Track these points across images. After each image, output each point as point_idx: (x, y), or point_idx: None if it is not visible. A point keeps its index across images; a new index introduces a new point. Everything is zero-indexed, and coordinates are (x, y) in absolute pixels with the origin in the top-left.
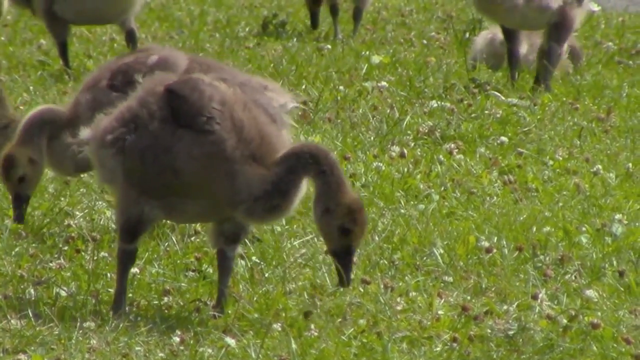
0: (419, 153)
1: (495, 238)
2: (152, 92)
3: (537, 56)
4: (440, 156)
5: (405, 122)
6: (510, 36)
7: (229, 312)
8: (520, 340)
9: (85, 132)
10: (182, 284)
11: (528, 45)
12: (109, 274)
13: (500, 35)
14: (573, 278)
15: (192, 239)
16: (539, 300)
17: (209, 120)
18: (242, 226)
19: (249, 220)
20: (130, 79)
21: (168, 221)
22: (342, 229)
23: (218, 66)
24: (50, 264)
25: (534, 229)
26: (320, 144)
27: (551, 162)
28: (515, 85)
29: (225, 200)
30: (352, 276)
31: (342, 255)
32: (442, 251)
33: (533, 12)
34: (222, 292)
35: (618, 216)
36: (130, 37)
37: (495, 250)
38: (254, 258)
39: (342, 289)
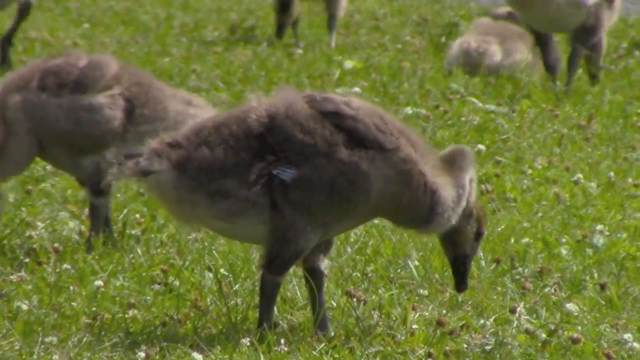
0: None
1: None
2: (305, 115)
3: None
4: None
5: None
6: (543, 43)
7: (196, 326)
8: (498, 355)
9: (150, 163)
10: (148, 297)
11: (503, 51)
12: (71, 287)
13: (474, 44)
14: (552, 291)
15: (158, 250)
16: (517, 314)
17: (392, 137)
18: (332, 238)
19: (430, 232)
20: (63, 81)
21: (133, 232)
22: (477, 234)
23: (146, 76)
24: (11, 277)
25: (512, 240)
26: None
27: (530, 171)
28: (493, 92)
29: (419, 216)
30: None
31: (468, 260)
32: (417, 263)
33: (569, 6)
34: (322, 312)
35: (599, 227)
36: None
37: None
38: (222, 270)
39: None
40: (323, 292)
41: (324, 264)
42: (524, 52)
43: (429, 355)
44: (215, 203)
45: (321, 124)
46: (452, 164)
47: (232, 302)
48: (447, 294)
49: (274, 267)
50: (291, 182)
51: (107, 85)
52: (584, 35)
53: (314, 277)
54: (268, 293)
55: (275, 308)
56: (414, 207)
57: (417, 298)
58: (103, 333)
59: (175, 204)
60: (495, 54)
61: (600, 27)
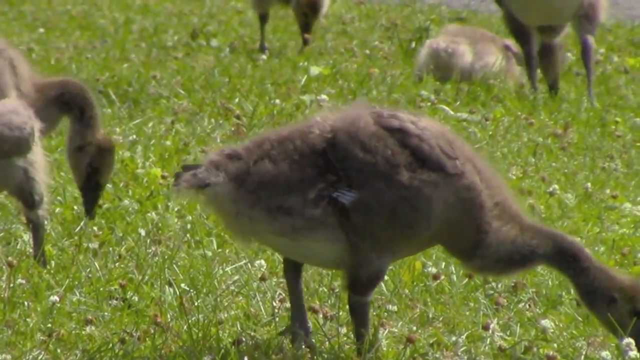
0: None
1: (444, 264)
2: (368, 133)
3: (539, 56)
4: None
5: None
6: (526, 38)
7: (156, 343)
8: None
9: (208, 175)
10: (105, 313)
11: (473, 53)
12: (26, 303)
13: (443, 45)
14: (527, 307)
15: (116, 264)
16: (490, 331)
17: (457, 162)
18: None
19: (476, 272)
20: None
21: (90, 245)
22: (634, 312)
23: None
24: None
25: None
26: (573, 239)
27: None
28: (465, 99)
29: (461, 249)
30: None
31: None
32: (386, 278)
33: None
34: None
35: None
36: None
37: (443, 277)
38: (183, 285)
39: (277, 319)
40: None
41: None
42: (496, 55)
43: None
44: (276, 219)
45: (384, 142)
46: (537, 234)
47: (193, 319)
48: (418, 310)
49: (357, 289)
50: (351, 206)
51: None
52: (587, 21)
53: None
54: (358, 313)
55: (243, 326)
56: (460, 238)
57: (386, 314)
58: (59, 350)
59: (233, 218)
60: (465, 54)
61: (599, 9)
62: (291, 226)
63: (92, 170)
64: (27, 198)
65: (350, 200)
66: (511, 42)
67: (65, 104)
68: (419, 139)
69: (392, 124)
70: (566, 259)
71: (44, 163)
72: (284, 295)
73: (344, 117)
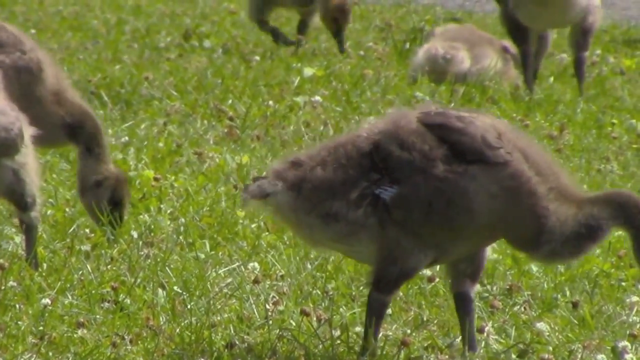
0: None
1: (438, 266)
2: (408, 131)
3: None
4: None
5: None
6: (524, 38)
7: (148, 347)
8: None
9: (268, 185)
10: (97, 316)
11: (471, 57)
12: (17, 305)
13: (441, 50)
14: (522, 309)
15: (108, 267)
16: (485, 334)
17: (501, 151)
18: (479, 262)
19: (545, 261)
20: None
21: (82, 247)
22: None
23: None
24: None
25: None
26: (627, 192)
27: None
28: (460, 101)
29: (525, 239)
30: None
31: None
32: None
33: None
34: (471, 335)
35: None
36: None
37: (437, 280)
38: (175, 288)
39: (270, 322)
40: (473, 318)
41: (473, 289)
42: (492, 58)
43: None
44: (329, 226)
45: (422, 137)
46: (598, 201)
47: (186, 322)
48: (412, 313)
49: (382, 286)
50: (391, 201)
51: None
52: (582, 38)
53: (461, 302)
54: (375, 312)
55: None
56: (518, 228)
57: None
58: (51, 353)
59: (297, 227)
60: (464, 60)
61: (596, 25)
62: (340, 232)
63: (114, 205)
64: (19, 200)
65: (390, 195)
66: (509, 43)
67: (73, 135)
68: (460, 133)
69: (435, 120)
70: (632, 212)
71: (36, 165)
72: (277, 297)
73: (390, 118)
